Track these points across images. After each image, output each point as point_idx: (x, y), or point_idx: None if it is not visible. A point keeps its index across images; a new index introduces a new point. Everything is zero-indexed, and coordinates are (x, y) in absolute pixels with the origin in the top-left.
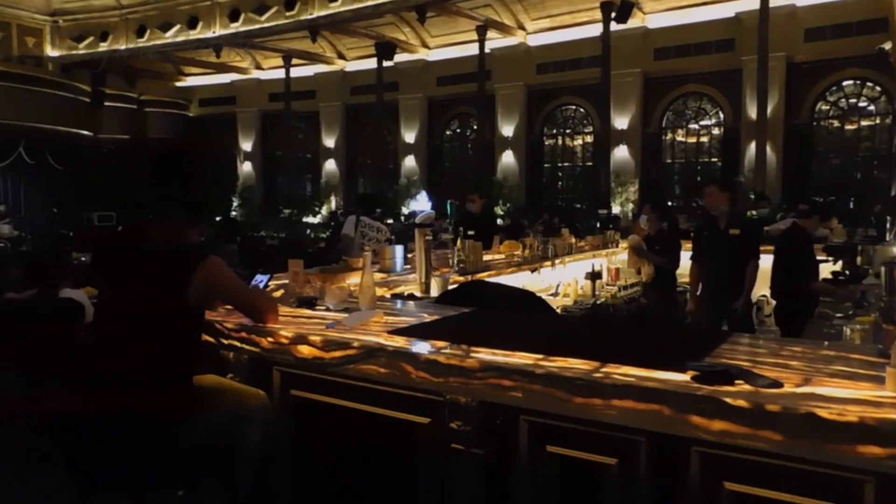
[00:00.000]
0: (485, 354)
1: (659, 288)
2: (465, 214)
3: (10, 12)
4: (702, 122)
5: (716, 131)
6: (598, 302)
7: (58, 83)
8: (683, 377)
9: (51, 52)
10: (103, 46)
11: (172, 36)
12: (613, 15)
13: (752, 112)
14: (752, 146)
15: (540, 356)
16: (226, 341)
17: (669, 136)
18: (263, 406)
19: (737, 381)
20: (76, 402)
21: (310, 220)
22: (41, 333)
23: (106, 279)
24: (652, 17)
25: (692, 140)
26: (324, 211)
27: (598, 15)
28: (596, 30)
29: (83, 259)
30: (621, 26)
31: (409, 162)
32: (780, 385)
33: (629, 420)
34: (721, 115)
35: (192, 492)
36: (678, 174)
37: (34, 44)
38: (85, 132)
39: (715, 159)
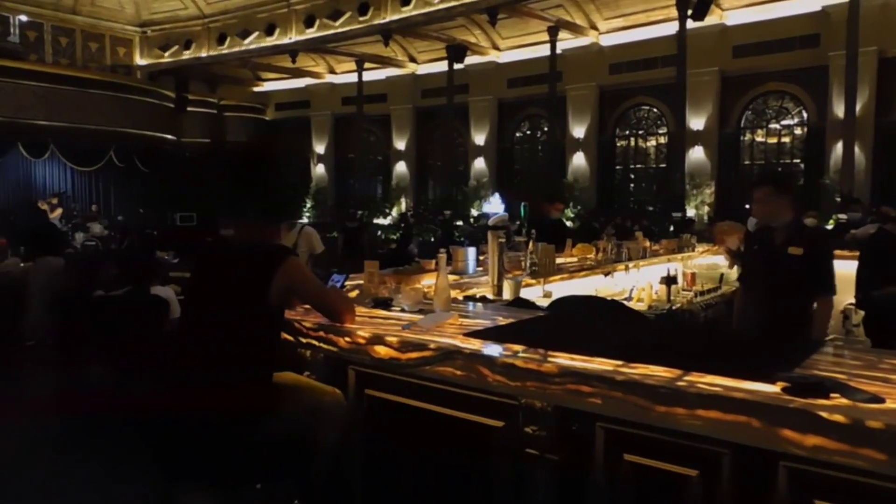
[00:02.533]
0: (563, 359)
1: None
2: (543, 222)
3: (105, 25)
4: (783, 122)
5: (798, 131)
6: (674, 308)
7: (145, 90)
8: (773, 388)
9: (139, 60)
10: (187, 54)
11: (251, 43)
12: (690, 12)
13: (839, 110)
14: (839, 146)
15: (620, 363)
16: (304, 340)
17: (748, 136)
18: (339, 404)
19: (832, 395)
20: (163, 396)
21: (380, 221)
22: (131, 329)
23: (191, 278)
24: (730, 14)
25: (773, 140)
26: (394, 212)
27: (674, 13)
28: (671, 28)
29: (166, 258)
30: (698, 24)
31: (479, 164)
32: (881, 400)
33: (714, 431)
34: (804, 114)
35: (269, 486)
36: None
37: (124, 53)
38: (169, 136)
39: (797, 160)
